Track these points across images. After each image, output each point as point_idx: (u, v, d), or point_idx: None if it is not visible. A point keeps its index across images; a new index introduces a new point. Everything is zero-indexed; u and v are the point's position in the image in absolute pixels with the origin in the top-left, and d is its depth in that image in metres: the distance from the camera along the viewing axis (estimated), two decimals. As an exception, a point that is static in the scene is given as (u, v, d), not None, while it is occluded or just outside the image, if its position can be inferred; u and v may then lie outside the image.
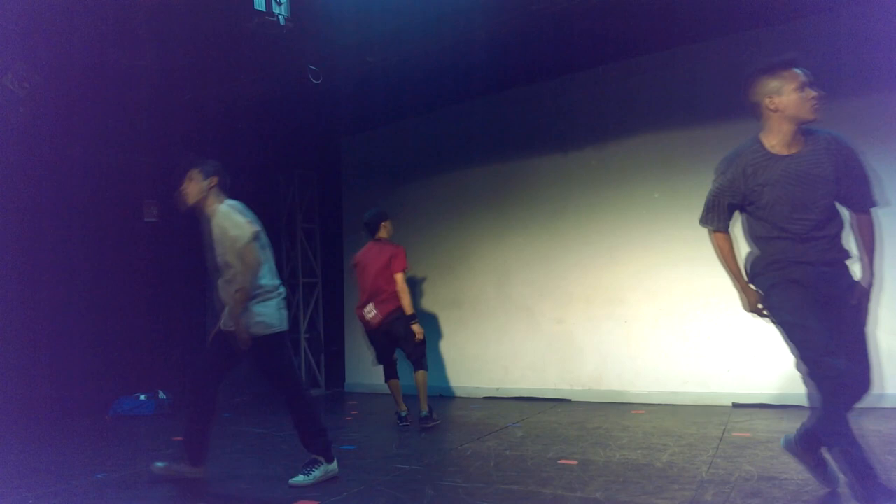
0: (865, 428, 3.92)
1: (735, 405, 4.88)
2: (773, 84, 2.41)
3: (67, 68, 5.00)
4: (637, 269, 5.51)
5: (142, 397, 5.83)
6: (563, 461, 3.43)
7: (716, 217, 2.63)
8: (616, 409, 5.06)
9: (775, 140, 2.44)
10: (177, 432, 4.87)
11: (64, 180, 5.50)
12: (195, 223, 3.40)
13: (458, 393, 6.33)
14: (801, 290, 2.39)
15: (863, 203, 2.46)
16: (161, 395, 5.94)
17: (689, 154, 5.37)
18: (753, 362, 4.95)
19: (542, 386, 5.85)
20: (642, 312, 5.44)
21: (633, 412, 4.88)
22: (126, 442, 4.65)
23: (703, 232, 2.80)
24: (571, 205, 5.90)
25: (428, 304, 6.70)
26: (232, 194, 3.37)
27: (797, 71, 2.40)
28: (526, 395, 5.88)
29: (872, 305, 2.51)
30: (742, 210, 2.60)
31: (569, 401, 5.62)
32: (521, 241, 6.16)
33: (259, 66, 5.24)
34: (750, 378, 4.94)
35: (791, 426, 4.10)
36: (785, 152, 2.42)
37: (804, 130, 2.43)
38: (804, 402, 4.62)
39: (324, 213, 7.72)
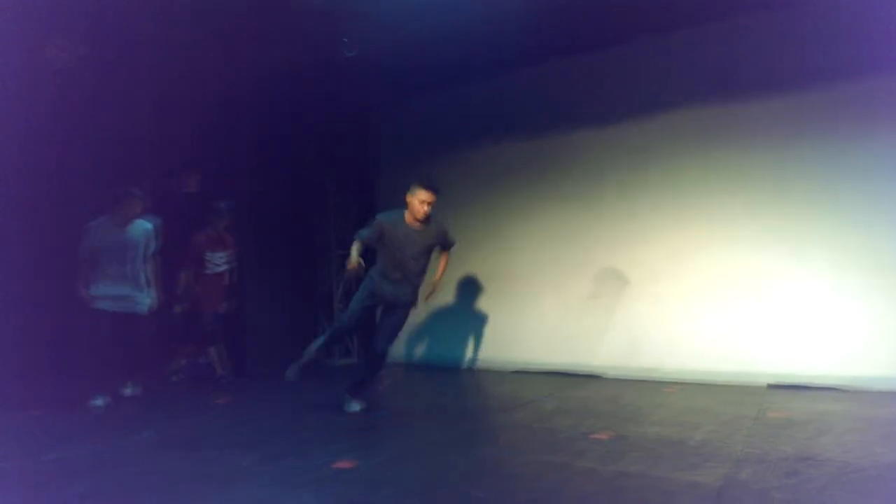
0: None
1: (770, 386, 4.81)
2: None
3: (103, 40, 5.06)
4: (671, 247, 5.43)
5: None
6: (594, 436, 3.43)
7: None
8: (648, 386, 5.03)
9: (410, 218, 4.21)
10: (221, 395, 5.03)
11: (95, 151, 5.59)
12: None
13: (489, 366, 6.37)
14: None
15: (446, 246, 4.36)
16: None
17: (725, 131, 5.26)
18: (790, 344, 4.87)
19: (572, 361, 5.84)
20: (677, 291, 5.37)
21: (665, 390, 4.85)
22: (176, 403, 4.79)
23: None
24: (607, 181, 5.82)
25: (461, 277, 6.72)
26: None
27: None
28: (556, 370, 5.88)
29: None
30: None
31: (599, 377, 5.61)
32: (556, 215, 6.12)
33: (292, 37, 5.23)
34: (786, 360, 4.86)
35: (828, 408, 4.05)
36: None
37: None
38: (841, 384, 4.56)
39: (358, 185, 7.74)
